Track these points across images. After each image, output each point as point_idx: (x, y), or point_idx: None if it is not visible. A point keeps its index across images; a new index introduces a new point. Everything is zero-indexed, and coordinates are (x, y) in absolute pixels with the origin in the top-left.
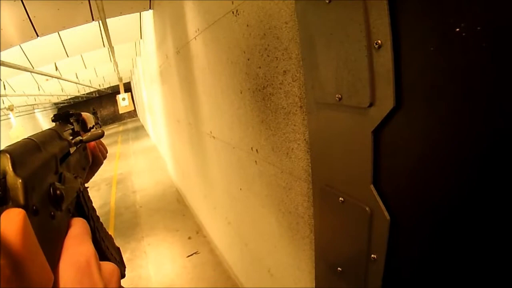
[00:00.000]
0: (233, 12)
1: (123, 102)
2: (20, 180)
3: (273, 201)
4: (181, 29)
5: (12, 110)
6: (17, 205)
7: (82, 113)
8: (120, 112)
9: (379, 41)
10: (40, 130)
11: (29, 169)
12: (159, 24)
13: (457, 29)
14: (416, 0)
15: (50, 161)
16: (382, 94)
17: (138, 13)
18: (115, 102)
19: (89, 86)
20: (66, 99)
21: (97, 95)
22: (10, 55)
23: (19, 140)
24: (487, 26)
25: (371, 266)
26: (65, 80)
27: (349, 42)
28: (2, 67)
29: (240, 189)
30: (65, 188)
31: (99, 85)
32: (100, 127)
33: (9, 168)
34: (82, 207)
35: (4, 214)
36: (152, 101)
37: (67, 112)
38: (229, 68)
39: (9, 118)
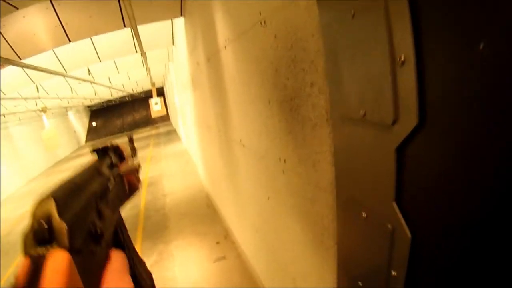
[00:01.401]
0: (261, 23)
1: (155, 106)
2: (65, 225)
3: (299, 211)
4: (211, 38)
5: (45, 112)
6: (62, 246)
7: (119, 144)
8: (153, 116)
9: (403, 57)
10: (73, 131)
11: (73, 212)
12: (191, 31)
13: (481, 47)
14: (439, 15)
15: (91, 200)
16: (405, 111)
17: (170, 20)
18: (148, 106)
19: (122, 90)
20: (99, 102)
21: (130, 99)
22: (43, 59)
23: (53, 141)
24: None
25: (391, 283)
26: (98, 84)
27: (372, 57)
28: (35, 71)
29: (268, 198)
30: (104, 225)
31: (132, 89)
32: (136, 152)
33: (54, 212)
34: (119, 237)
35: (50, 255)
36: (183, 106)
37: (105, 147)
38: (257, 78)
39: (42, 120)
